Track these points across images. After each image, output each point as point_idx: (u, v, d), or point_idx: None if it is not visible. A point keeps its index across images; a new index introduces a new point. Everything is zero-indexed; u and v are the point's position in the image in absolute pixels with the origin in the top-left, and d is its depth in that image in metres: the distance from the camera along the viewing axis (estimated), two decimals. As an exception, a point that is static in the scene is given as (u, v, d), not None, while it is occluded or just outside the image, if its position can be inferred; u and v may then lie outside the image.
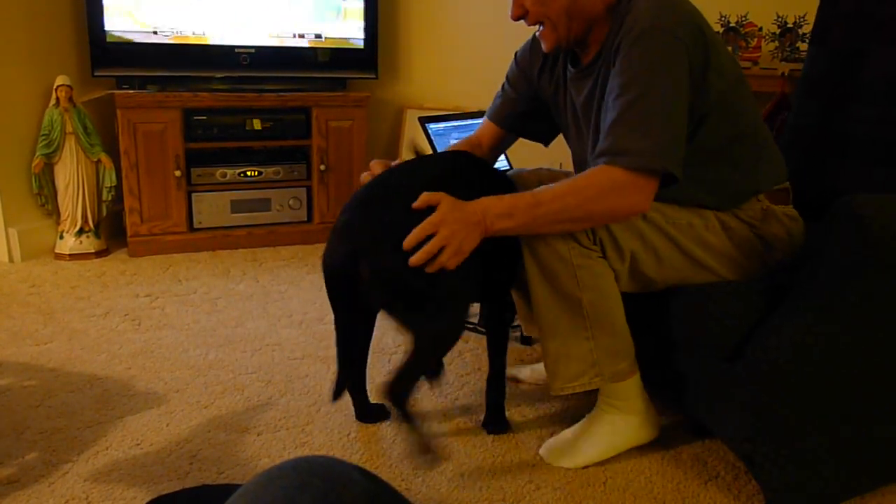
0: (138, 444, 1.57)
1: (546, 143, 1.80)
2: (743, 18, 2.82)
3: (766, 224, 1.51)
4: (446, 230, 1.27)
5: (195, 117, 2.97)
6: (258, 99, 3.06)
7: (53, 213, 2.93)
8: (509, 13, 1.46)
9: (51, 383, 1.83)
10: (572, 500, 1.41)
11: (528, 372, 1.91)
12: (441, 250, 1.27)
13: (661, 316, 1.49)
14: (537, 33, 1.54)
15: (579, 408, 1.72)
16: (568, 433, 1.59)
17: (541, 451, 1.57)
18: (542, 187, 1.37)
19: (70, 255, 2.87)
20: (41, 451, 1.53)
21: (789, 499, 1.36)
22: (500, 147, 1.80)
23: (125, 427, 1.64)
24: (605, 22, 1.43)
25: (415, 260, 1.25)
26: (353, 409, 1.70)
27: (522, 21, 1.47)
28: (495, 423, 1.66)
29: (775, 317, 1.36)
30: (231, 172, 3.04)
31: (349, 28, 3.23)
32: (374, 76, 3.33)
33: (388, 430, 1.65)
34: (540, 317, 1.47)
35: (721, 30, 2.85)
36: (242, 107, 3.05)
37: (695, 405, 1.53)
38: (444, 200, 1.31)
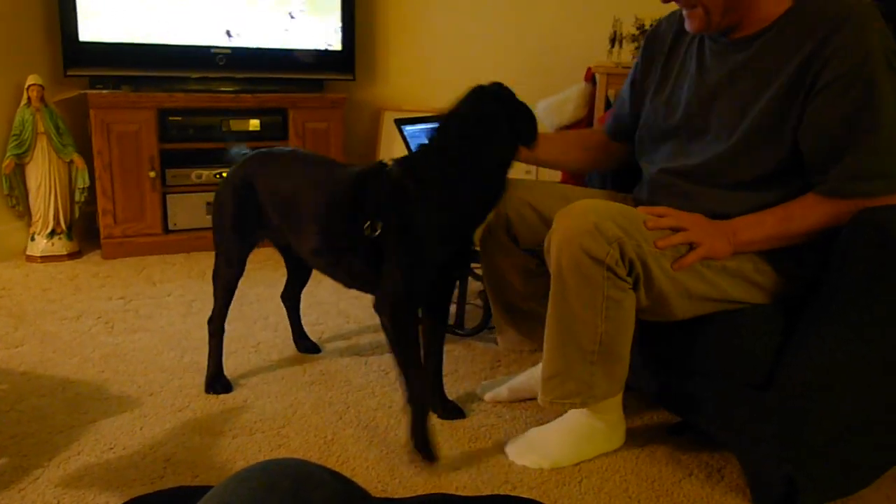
0: (111, 449, 1.55)
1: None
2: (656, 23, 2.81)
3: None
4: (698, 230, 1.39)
5: (170, 118, 2.94)
6: (234, 100, 3.04)
7: (25, 214, 2.89)
8: None
9: (22, 387, 1.81)
10: (548, 500, 1.42)
11: (505, 392, 1.83)
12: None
13: (686, 346, 1.46)
14: (684, 13, 1.45)
15: (556, 410, 1.72)
16: (536, 432, 1.59)
17: (506, 448, 1.58)
18: (782, 206, 1.38)
19: (42, 257, 2.83)
20: (11, 457, 1.51)
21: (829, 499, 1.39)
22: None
23: (98, 431, 1.62)
24: (772, 3, 1.38)
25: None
26: (330, 410, 1.69)
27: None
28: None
29: (800, 336, 1.35)
30: (206, 174, 3.02)
31: (326, 29, 3.23)
32: (351, 77, 3.33)
33: (364, 433, 1.64)
34: (550, 334, 1.44)
35: (636, 32, 2.81)
36: (218, 108, 3.03)
37: (719, 430, 1.50)
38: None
